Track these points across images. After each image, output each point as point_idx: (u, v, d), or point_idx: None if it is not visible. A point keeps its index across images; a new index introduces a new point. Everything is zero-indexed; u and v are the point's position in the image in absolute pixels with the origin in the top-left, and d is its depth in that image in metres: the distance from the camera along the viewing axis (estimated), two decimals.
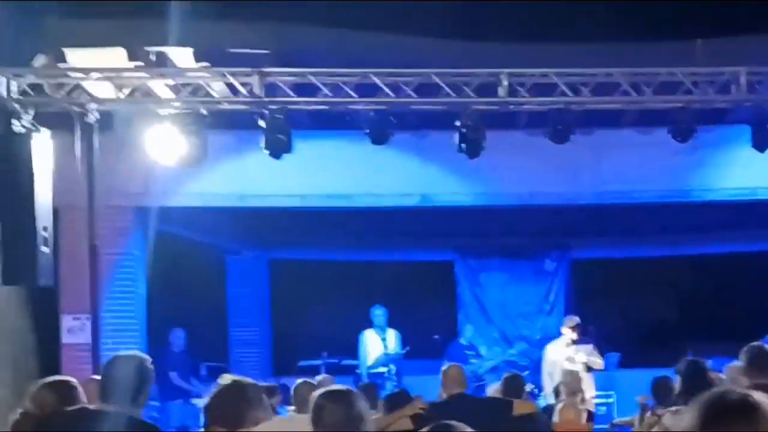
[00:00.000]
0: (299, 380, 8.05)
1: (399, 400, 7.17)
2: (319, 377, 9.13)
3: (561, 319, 14.97)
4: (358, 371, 12.85)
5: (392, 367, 12.74)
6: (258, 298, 14.44)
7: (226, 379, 4.76)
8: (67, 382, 4.98)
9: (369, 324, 12.94)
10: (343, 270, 14.83)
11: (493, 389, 9.05)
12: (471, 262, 15.26)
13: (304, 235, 13.59)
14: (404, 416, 6.74)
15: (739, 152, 10.71)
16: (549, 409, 9.15)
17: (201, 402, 11.55)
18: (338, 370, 12.44)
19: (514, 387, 8.10)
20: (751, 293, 14.71)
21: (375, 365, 12.76)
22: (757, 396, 1.95)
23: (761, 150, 9.86)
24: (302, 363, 13.10)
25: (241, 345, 14.15)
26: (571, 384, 8.31)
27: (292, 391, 8.09)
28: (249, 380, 4.81)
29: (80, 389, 5.01)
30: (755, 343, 6.33)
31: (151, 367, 4.65)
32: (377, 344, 12.84)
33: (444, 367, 7.34)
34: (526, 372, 13.66)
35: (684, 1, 9.54)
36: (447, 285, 15.22)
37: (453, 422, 3.55)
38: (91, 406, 4.59)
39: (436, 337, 13.24)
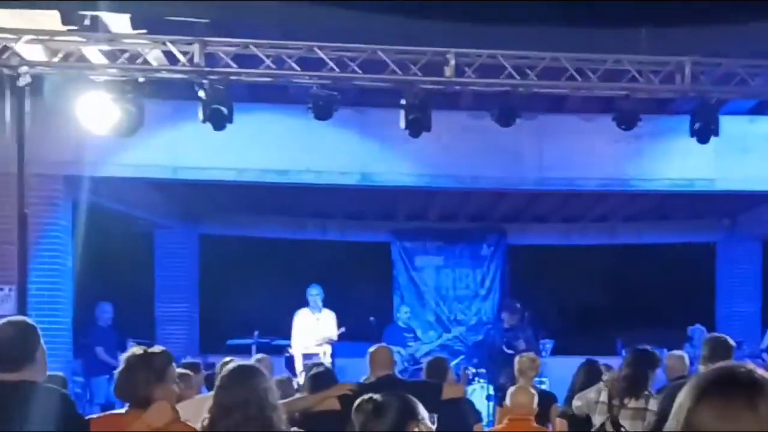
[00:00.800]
0: (226, 359, 7.81)
1: (324, 380, 7.02)
2: (257, 356, 8.92)
3: (496, 303, 15.05)
4: (290, 350, 12.64)
5: (326, 348, 12.54)
6: (187, 274, 14.09)
7: (132, 351, 4.53)
8: None
9: (303, 303, 12.73)
10: (277, 248, 14.59)
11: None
12: (407, 245, 15.15)
13: (238, 210, 13.32)
14: (332, 396, 6.60)
15: (679, 143, 10.74)
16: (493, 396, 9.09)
17: None
18: (269, 350, 12.19)
19: (437, 370, 7.99)
20: (684, 284, 14.90)
21: (308, 345, 12.55)
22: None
23: (702, 141, 9.90)
24: (231, 342, 12.83)
25: (169, 322, 13.80)
26: (525, 367, 8.23)
27: (217, 369, 7.86)
28: (158, 348, 4.59)
29: None
30: (714, 334, 6.77)
31: (35, 327, 4.42)
32: (312, 324, 12.63)
33: (371, 349, 7.17)
34: (461, 357, 13.69)
35: None
36: (383, 266, 15.09)
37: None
38: None
39: (371, 319, 13.05)
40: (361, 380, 7.27)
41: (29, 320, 4.49)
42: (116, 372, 4.48)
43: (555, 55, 9.33)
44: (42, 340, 4.40)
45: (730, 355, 6.32)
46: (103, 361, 11.78)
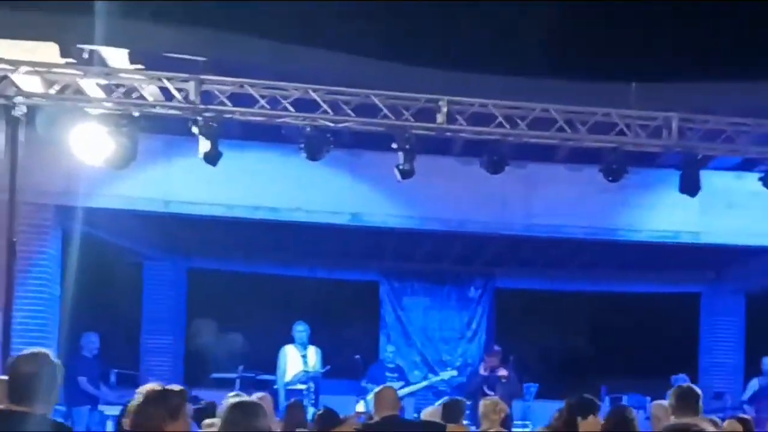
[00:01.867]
0: (231, 394, 7.88)
1: (330, 419, 7.10)
2: (258, 394, 8.90)
3: (481, 346, 15.10)
4: (275, 387, 12.64)
5: (311, 384, 12.54)
6: (174, 306, 14.12)
7: (152, 387, 4.62)
8: None
9: (289, 340, 12.76)
10: (265, 283, 14.63)
11: (427, 412, 8.98)
12: (396, 285, 15.21)
13: (227, 245, 13.39)
14: None
15: (666, 196, 10.90)
16: None
17: (109, 409, 11.30)
18: (254, 385, 12.21)
19: (453, 411, 8.07)
20: (667, 333, 14.98)
21: (293, 382, 12.55)
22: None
23: (691, 194, 10.03)
24: (216, 375, 12.85)
25: (154, 353, 13.81)
26: (487, 411, 8.28)
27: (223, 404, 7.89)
28: (176, 387, 4.69)
29: None
30: (683, 384, 6.67)
31: (59, 364, 4.48)
32: (297, 361, 12.64)
33: (377, 389, 7.28)
34: (445, 398, 13.68)
35: (621, 46, 9.69)
36: (370, 305, 15.14)
37: None
38: (1, 406, 4.40)
39: (356, 357, 13.08)
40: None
41: (50, 355, 4.48)
42: (131, 405, 4.53)
43: (545, 106, 9.46)
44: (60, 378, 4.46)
45: (697, 404, 6.31)
46: (85, 391, 11.78)
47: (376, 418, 7.15)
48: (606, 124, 9.62)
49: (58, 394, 4.51)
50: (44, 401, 4.32)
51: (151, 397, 4.48)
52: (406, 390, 13.52)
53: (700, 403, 6.35)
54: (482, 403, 8.30)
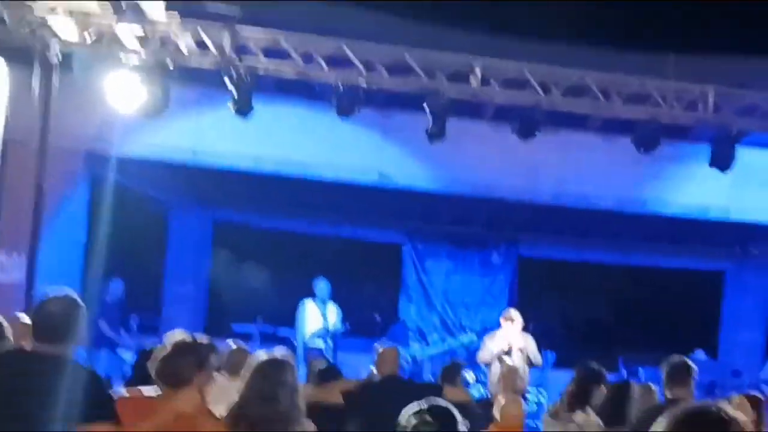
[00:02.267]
0: (234, 346, 7.90)
1: (330, 374, 7.15)
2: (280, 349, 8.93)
3: (501, 312, 15.08)
4: (294, 342, 12.71)
5: (330, 341, 12.60)
6: (198, 257, 14.19)
7: (182, 337, 4.68)
8: None
9: (308, 296, 12.79)
10: (288, 239, 14.63)
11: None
12: (419, 247, 15.19)
13: (253, 199, 13.38)
14: (335, 390, 6.75)
15: (697, 170, 10.79)
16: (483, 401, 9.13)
17: (127, 353, 11.42)
18: (273, 339, 12.28)
19: (450, 373, 8.12)
20: (690, 309, 14.89)
21: (312, 338, 12.61)
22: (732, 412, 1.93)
23: (722, 169, 9.95)
24: (236, 326, 12.92)
25: (176, 302, 13.90)
26: (514, 380, 8.31)
27: (227, 356, 7.93)
28: (204, 339, 4.76)
29: (8, 327, 4.86)
30: (675, 356, 6.41)
31: (84, 307, 4.52)
32: (317, 317, 12.67)
33: (379, 348, 7.29)
34: (465, 364, 13.73)
35: (661, 16, 9.56)
36: (392, 267, 15.13)
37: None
38: (27, 347, 4.47)
39: (376, 316, 13.13)
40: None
41: (77, 298, 4.54)
42: (160, 352, 4.57)
43: (581, 73, 9.38)
44: (85, 320, 4.50)
45: (690, 378, 6.16)
46: (105, 334, 11.90)
47: (378, 377, 7.20)
48: (641, 95, 9.55)
49: (84, 336, 4.53)
50: (69, 342, 4.37)
51: (181, 348, 4.54)
52: (426, 353, 13.57)
53: (694, 377, 6.18)
54: (502, 369, 8.32)
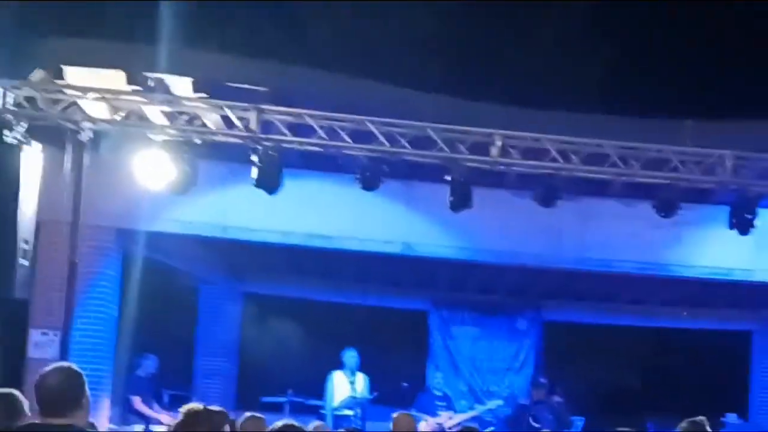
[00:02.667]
0: (247, 413, 7.95)
1: None
2: (315, 423, 8.99)
3: (529, 377, 15.07)
4: (323, 411, 12.76)
5: (358, 410, 12.65)
6: (228, 330, 14.34)
7: (194, 407, 4.79)
8: (12, 395, 4.92)
9: (338, 365, 12.88)
10: (316, 309, 14.77)
11: None
12: (445, 314, 15.27)
13: (282, 271, 13.57)
14: None
15: (718, 232, 10.85)
16: None
17: (160, 429, 11.46)
18: (303, 410, 12.34)
19: None
20: (718, 371, 14.82)
21: (341, 407, 12.67)
22: None
23: (742, 232, 10.02)
24: (266, 399, 12.99)
25: (207, 375, 14.02)
26: None
27: (239, 425, 8.00)
28: (217, 408, 4.86)
29: (25, 403, 4.96)
30: (691, 419, 6.54)
31: (82, 375, 4.52)
32: (345, 386, 12.75)
33: (395, 414, 7.36)
34: (491, 429, 13.71)
35: (677, 84, 9.75)
36: (419, 334, 15.20)
37: None
38: (38, 420, 4.47)
39: (404, 384, 13.15)
40: None
41: (76, 367, 4.57)
42: (175, 423, 4.69)
43: (599, 141, 9.55)
44: (87, 387, 4.51)
45: None
46: (138, 410, 11.99)
47: None
48: (660, 160, 9.68)
49: (89, 406, 4.53)
50: (73, 412, 4.38)
51: (193, 416, 4.66)
52: (454, 420, 13.54)
53: None
54: None
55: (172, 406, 12.53)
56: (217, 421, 4.72)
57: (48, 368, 4.57)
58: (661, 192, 9.80)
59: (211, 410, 4.78)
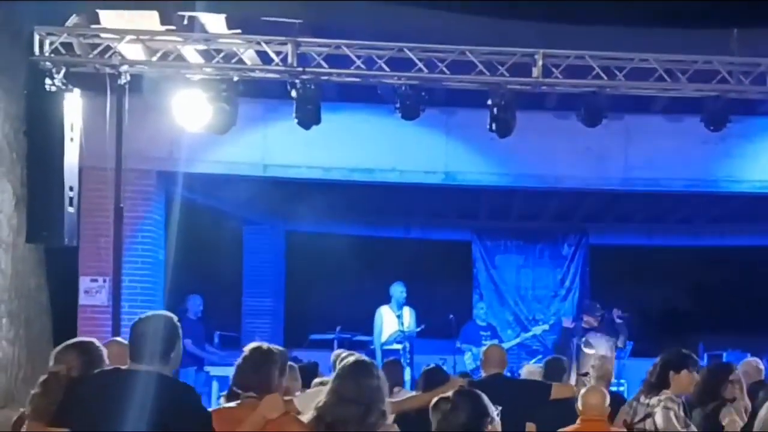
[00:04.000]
0: (339, 350, 8.02)
1: (437, 376, 7.13)
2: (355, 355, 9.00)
3: (575, 304, 15.03)
4: (371, 347, 12.81)
5: (407, 344, 12.67)
6: (273, 269, 14.43)
7: (258, 344, 4.78)
8: (92, 344, 4.93)
9: (384, 300, 12.89)
10: (359, 245, 14.77)
11: (527, 370, 9.02)
12: (488, 243, 15.24)
13: (323, 208, 13.53)
14: (444, 393, 6.71)
15: None
16: None
17: (214, 369, 11.57)
18: (351, 346, 12.38)
19: (555, 369, 8.09)
20: None
21: (389, 342, 12.69)
22: None
23: None
24: (314, 336, 13.07)
25: (254, 315, 14.15)
26: (606, 369, 8.27)
27: (331, 362, 8.03)
28: (279, 347, 4.84)
29: (104, 351, 4.97)
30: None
31: (179, 325, 4.56)
32: (393, 321, 12.77)
33: (484, 348, 7.32)
34: (539, 356, 13.70)
35: None
36: (463, 265, 15.19)
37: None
38: (124, 367, 4.51)
39: (450, 316, 13.15)
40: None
41: (171, 317, 4.57)
42: (240, 362, 4.67)
43: (644, 55, 9.32)
44: (179, 339, 4.52)
45: None
46: (191, 352, 12.08)
47: (483, 376, 7.19)
48: (707, 72, 9.43)
49: (179, 357, 4.54)
50: (162, 361, 4.39)
51: (259, 356, 4.65)
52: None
53: None
54: (594, 359, 8.32)
55: (222, 346, 12.65)
56: (279, 359, 4.69)
57: (144, 315, 4.59)
58: (709, 105, 9.57)
59: (274, 348, 4.76)
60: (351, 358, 5.09)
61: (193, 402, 4.39)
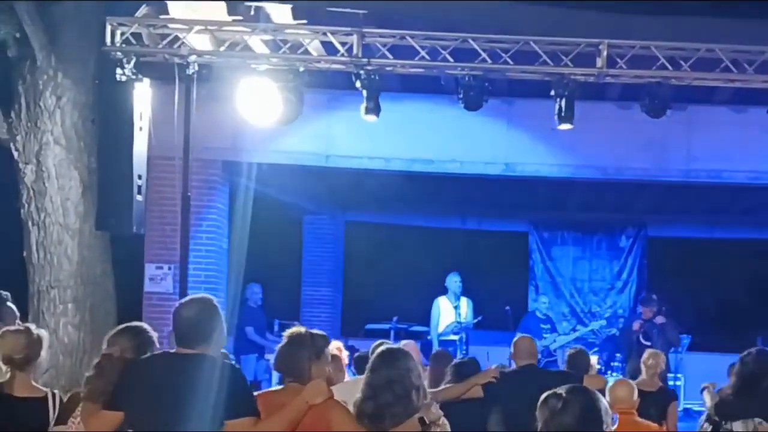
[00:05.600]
0: (377, 342, 8.07)
1: (468, 368, 7.18)
2: (403, 342, 9.13)
3: (632, 297, 14.97)
4: (428, 337, 12.88)
5: (463, 335, 12.73)
6: (332, 259, 14.56)
7: (297, 329, 4.86)
8: (143, 328, 5.03)
9: (441, 291, 12.95)
10: (418, 235, 14.86)
11: None
12: (545, 235, 15.23)
13: (383, 198, 13.62)
14: (477, 384, 6.78)
15: None
16: None
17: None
18: (407, 336, 12.45)
19: (578, 362, 8.12)
20: None
21: (446, 332, 12.77)
22: None
23: None
24: (370, 326, 13.16)
25: (313, 304, 14.29)
26: (658, 364, 8.28)
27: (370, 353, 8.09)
28: (318, 332, 4.90)
29: (154, 334, 5.08)
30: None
31: (218, 306, 4.64)
32: (450, 311, 12.84)
33: (515, 338, 7.34)
34: (595, 350, 13.68)
35: None
36: (520, 256, 15.19)
37: None
38: (172, 350, 4.61)
39: (507, 308, 13.18)
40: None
41: (212, 299, 4.64)
42: (279, 346, 4.76)
43: (710, 46, 9.25)
44: (222, 320, 4.59)
45: None
46: (252, 340, 12.25)
47: (515, 367, 7.22)
48: None
49: (223, 337, 4.62)
50: (207, 343, 4.47)
51: (297, 339, 4.72)
52: (557, 342, 13.56)
53: None
54: (647, 354, 8.34)
55: (281, 335, 12.76)
56: (319, 344, 4.76)
57: (185, 299, 4.68)
58: None
59: (314, 333, 4.83)
60: (379, 349, 5.18)
61: (239, 383, 4.45)
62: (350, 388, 5.46)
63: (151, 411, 4.34)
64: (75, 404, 4.92)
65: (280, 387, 4.77)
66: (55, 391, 5.22)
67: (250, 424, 4.32)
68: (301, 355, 4.64)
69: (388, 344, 7.59)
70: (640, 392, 7.94)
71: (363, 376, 5.34)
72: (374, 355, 5.03)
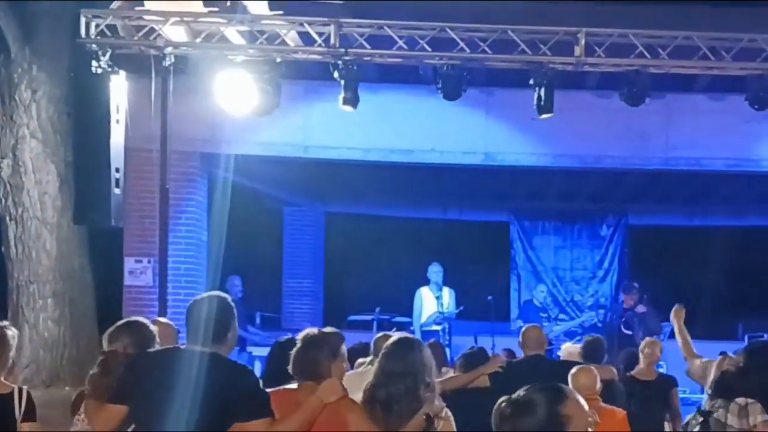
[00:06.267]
0: (379, 334, 8.05)
1: (477, 358, 7.16)
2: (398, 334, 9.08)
3: (613, 285, 15.00)
4: (411, 328, 12.86)
5: (446, 325, 12.73)
6: (313, 250, 14.53)
7: (310, 331, 4.81)
8: (143, 323, 4.99)
9: (422, 281, 12.94)
10: (399, 226, 14.83)
11: (566, 351, 9.03)
12: (526, 224, 15.23)
13: (362, 189, 13.58)
14: (484, 374, 6.77)
15: None
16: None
17: (257, 350, 11.66)
18: (390, 327, 12.43)
19: (595, 350, 8.11)
20: None
21: (429, 323, 12.77)
22: None
23: None
24: (353, 317, 13.14)
25: (294, 296, 14.26)
26: (655, 352, 8.30)
27: (372, 344, 8.08)
28: (332, 330, 4.87)
29: (156, 330, 5.04)
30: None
31: (233, 306, 4.60)
32: (432, 302, 12.83)
33: (523, 328, 7.34)
34: (577, 338, 13.68)
35: None
36: (501, 246, 15.18)
37: None
38: (182, 346, 4.57)
39: (489, 298, 13.17)
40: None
41: (227, 298, 4.60)
42: (294, 350, 4.72)
43: (687, 33, 9.26)
44: (234, 320, 4.55)
45: None
46: None
47: (523, 357, 7.21)
48: (752, 50, 9.36)
49: (235, 339, 4.59)
50: (219, 342, 4.42)
51: (311, 341, 4.69)
52: (553, 332, 13.53)
53: None
54: (644, 342, 8.38)
55: (263, 327, 12.74)
56: (334, 343, 4.72)
57: (200, 296, 4.64)
58: (753, 84, 9.48)
59: (327, 332, 4.79)
60: (395, 336, 5.15)
61: (251, 383, 4.41)
62: (356, 379, 5.38)
63: (156, 407, 4.30)
64: (81, 403, 4.91)
65: (294, 385, 4.70)
66: (23, 387, 5.17)
67: (265, 425, 4.29)
68: (320, 357, 4.60)
69: (402, 333, 7.58)
70: (641, 382, 8.00)
71: (362, 369, 5.30)
72: (392, 341, 4.99)
